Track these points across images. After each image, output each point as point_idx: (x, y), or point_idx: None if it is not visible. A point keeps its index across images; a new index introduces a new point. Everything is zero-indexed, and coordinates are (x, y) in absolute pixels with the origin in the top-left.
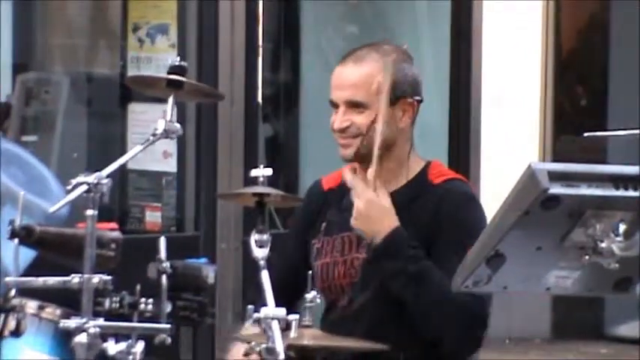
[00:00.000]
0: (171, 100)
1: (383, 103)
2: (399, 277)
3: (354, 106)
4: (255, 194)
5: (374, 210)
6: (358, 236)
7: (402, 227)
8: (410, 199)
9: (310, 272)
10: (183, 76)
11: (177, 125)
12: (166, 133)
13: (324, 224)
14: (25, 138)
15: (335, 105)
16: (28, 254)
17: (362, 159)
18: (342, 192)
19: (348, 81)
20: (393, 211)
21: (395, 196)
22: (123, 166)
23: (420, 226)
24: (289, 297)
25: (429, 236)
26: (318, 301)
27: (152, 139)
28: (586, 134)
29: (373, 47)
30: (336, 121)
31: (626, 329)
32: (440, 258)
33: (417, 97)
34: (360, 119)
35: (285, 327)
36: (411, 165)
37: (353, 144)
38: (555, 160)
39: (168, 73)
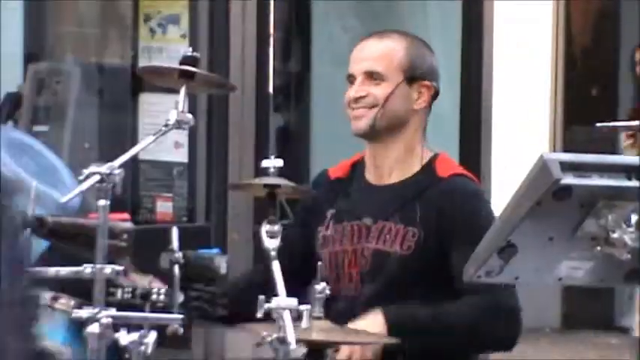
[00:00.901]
0: (183, 90)
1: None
2: (425, 341)
3: (372, 76)
4: (266, 185)
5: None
6: (367, 226)
7: (387, 315)
8: (418, 191)
9: (320, 262)
10: (195, 66)
11: (190, 116)
12: (178, 124)
13: (331, 212)
14: (36, 128)
15: (352, 78)
16: (40, 245)
17: (374, 134)
18: (350, 181)
19: (368, 53)
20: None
21: (402, 187)
22: (134, 157)
23: (427, 220)
24: (294, 284)
25: (438, 233)
26: (328, 292)
27: (164, 130)
28: (597, 124)
29: (396, 30)
30: (352, 90)
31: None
32: (459, 261)
33: (435, 84)
34: (377, 90)
35: (297, 317)
36: (419, 155)
37: (367, 115)
38: (566, 150)
39: (181, 63)
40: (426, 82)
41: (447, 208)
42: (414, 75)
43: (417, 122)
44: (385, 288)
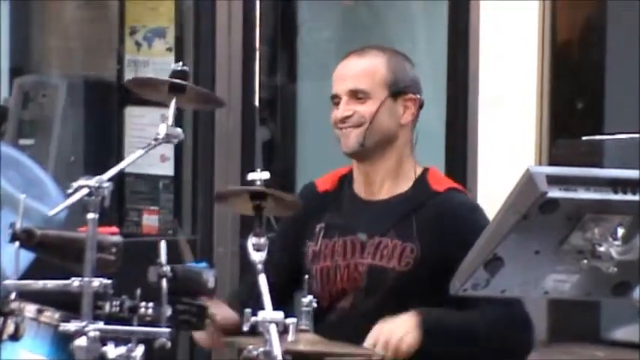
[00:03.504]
0: (173, 104)
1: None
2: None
3: (357, 95)
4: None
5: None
6: (362, 241)
7: (421, 315)
8: (414, 206)
9: (307, 276)
10: (185, 80)
11: (179, 130)
12: (168, 138)
13: (320, 226)
14: (22, 141)
15: (337, 98)
16: (26, 257)
17: (364, 153)
18: (340, 194)
19: (350, 72)
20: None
21: (397, 202)
22: (120, 170)
23: (424, 235)
24: (279, 299)
25: (439, 247)
26: (315, 305)
27: (154, 144)
28: (584, 138)
29: (374, 45)
30: (339, 110)
31: (623, 333)
32: None
33: (419, 96)
34: (363, 108)
35: (283, 330)
36: (409, 169)
37: (355, 134)
38: (552, 163)
39: (170, 77)
40: (411, 96)
41: (448, 222)
42: (399, 89)
43: (406, 136)
44: (382, 303)
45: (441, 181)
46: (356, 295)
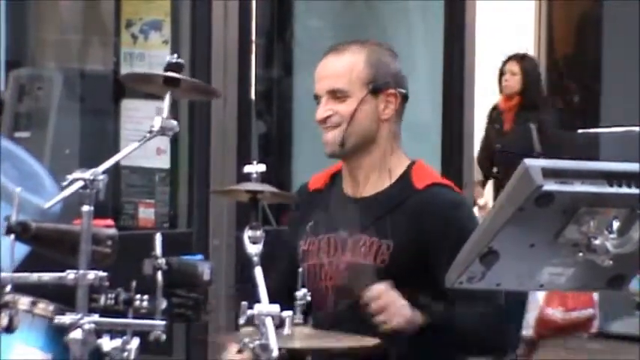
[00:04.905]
0: (167, 97)
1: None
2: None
3: (336, 95)
4: (248, 191)
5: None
6: (343, 238)
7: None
8: (393, 203)
9: (300, 270)
10: (179, 73)
11: (174, 122)
12: (163, 131)
13: (310, 225)
14: (17, 134)
15: (318, 98)
16: (20, 250)
17: (346, 153)
18: (327, 192)
19: (328, 71)
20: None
21: (378, 199)
22: (116, 163)
23: (401, 232)
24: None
25: (415, 245)
26: (309, 298)
27: (149, 137)
28: (579, 131)
29: (354, 40)
30: (319, 111)
31: (619, 326)
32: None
33: (401, 90)
34: (342, 108)
35: (279, 324)
36: (394, 164)
37: (333, 134)
38: (548, 157)
39: (165, 70)
40: (391, 91)
41: (424, 220)
42: (378, 86)
43: (387, 131)
44: (359, 301)
45: (423, 177)
46: (337, 293)
